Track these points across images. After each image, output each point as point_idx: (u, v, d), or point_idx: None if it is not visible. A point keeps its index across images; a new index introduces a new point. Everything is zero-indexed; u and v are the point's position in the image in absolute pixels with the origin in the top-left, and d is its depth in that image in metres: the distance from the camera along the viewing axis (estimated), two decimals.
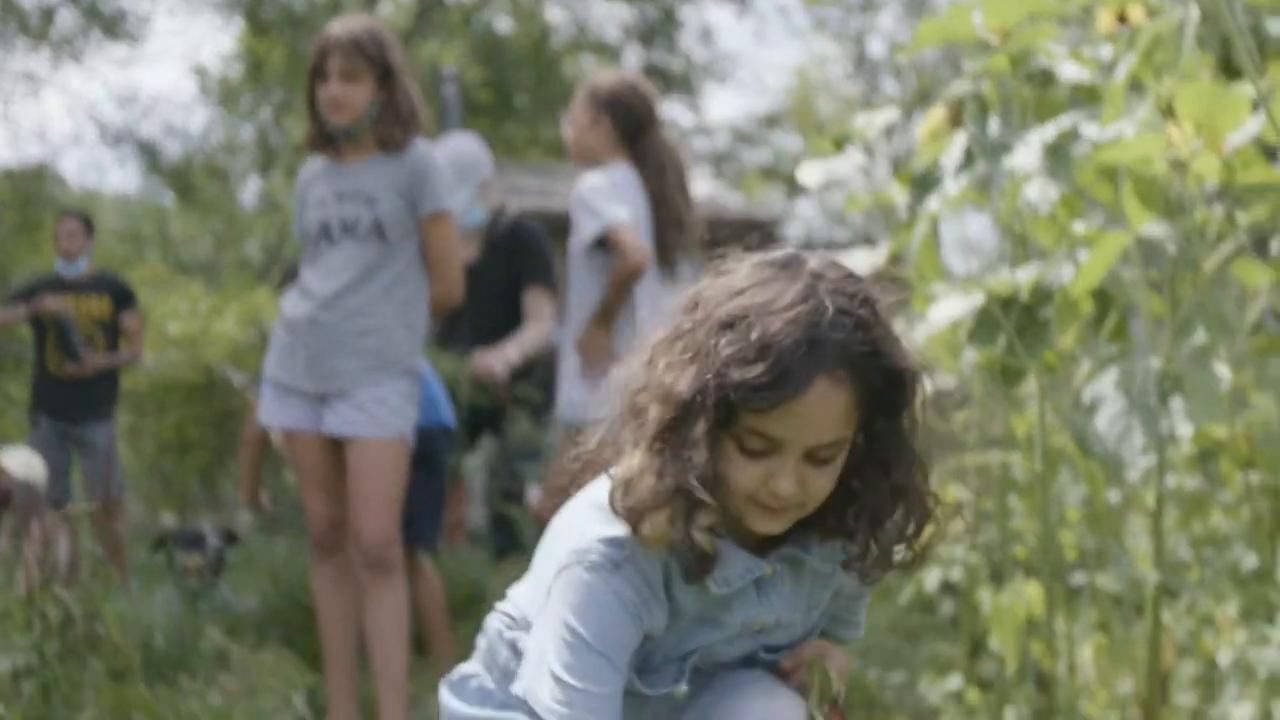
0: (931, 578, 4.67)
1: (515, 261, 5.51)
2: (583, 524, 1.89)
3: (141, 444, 11.19)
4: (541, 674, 1.82)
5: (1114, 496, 3.86)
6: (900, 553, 1.90)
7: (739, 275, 1.81)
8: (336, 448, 3.97)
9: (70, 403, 7.23)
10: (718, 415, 1.73)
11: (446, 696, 2.08)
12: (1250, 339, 2.80)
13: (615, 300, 4.70)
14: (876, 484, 1.84)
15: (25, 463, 5.93)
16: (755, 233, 2.03)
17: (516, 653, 1.98)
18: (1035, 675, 3.67)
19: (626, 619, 1.83)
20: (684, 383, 1.75)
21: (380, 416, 3.90)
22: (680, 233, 4.88)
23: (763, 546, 1.88)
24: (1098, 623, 3.46)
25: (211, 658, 4.54)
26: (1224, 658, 2.44)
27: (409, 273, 3.97)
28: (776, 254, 1.83)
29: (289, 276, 5.30)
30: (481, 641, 2.08)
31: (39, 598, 3.57)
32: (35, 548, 3.67)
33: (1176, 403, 2.70)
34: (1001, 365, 3.02)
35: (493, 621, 2.07)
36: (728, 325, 1.74)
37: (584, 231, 4.60)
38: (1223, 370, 2.57)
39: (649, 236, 4.73)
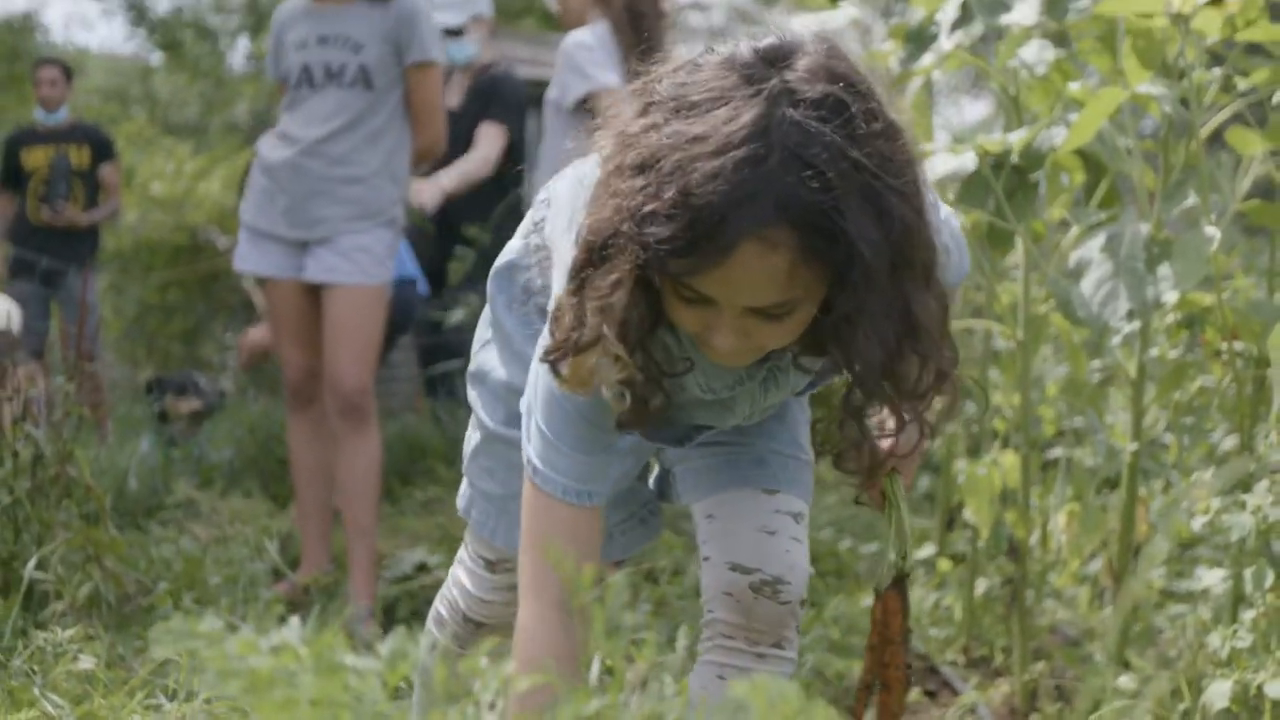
0: None
1: (490, 108, 5.42)
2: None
3: (124, 304, 11.11)
4: (531, 421, 1.72)
5: (1095, 376, 3.83)
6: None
7: (699, 79, 1.47)
8: (314, 295, 3.92)
9: (49, 253, 7.15)
10: (638, 264, 1.46)
11: (493, 286, 1.93)
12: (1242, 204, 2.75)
13: None
14: (859, 354, 1.51)
15: (1, 311, 5.87)
16: None
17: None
18: (1009, 545, 3.67)
19: (584, 425, 1.68)
20: (597, 224, 1.50)
21: (364, 265, 3.86)
22: None
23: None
24: (1073, 495, 3.45)
25: (184, 506, 4.54)
26: (1197, 523, 2.42)
27: (394, 121, 3.90)
28: (754, 48, 1.49)
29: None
30: (531, 234, 1.88)
31: (11, 434, 3.55)
32: (9, 388, 3.64)
33: (1164, 269, 2.66)
34: (989, 229, 2.97)
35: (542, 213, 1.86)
36: (641, 169, 1.44)
37: (570, 90, 4.55)
38: (1212, 231, 2.51)
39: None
